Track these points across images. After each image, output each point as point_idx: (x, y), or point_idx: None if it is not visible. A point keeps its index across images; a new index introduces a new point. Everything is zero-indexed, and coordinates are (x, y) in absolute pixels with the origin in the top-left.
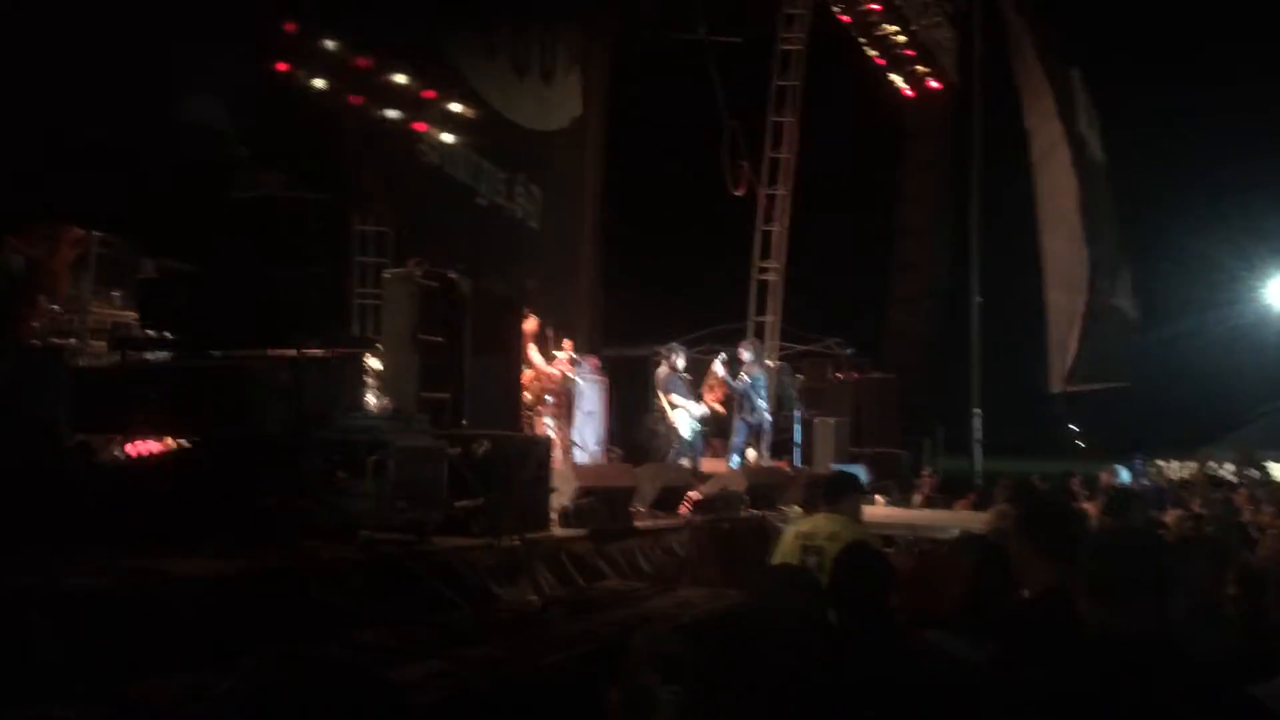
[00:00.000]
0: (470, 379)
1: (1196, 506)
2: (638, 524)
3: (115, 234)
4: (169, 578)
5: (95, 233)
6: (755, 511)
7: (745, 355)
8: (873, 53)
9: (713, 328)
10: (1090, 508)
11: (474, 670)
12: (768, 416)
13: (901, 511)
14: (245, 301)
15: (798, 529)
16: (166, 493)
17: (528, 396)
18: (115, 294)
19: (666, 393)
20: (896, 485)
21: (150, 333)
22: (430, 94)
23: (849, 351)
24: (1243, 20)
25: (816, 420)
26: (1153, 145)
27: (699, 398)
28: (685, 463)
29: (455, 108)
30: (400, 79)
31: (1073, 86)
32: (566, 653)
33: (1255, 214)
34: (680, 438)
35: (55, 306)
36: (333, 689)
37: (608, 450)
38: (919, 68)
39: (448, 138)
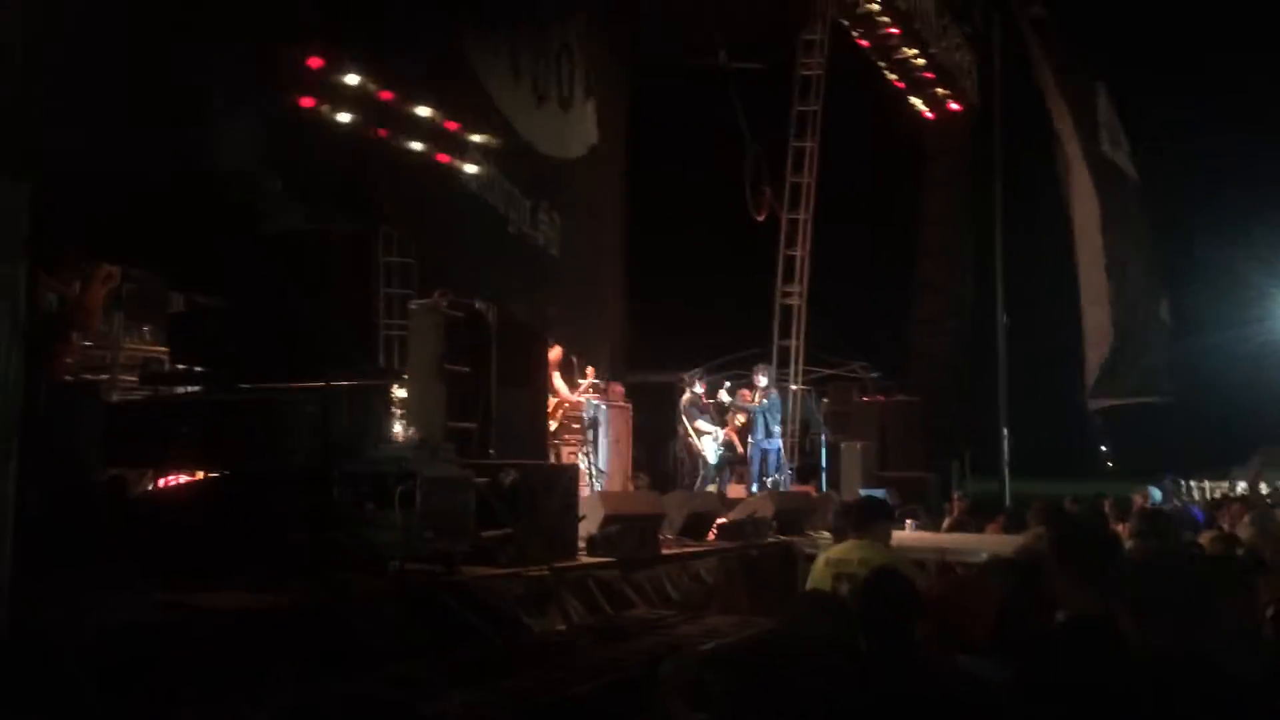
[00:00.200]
0: (497, 408)
1: (1227, 525)
2: (665, 551)
3: (145, 269)
4: (200, 611)
5: (127, 268)
6: (782, 537)
7: (761, 380)
8: (892, 76)
9: (737, 353)
10: (1123, 529)
11: (505, 701)
12: (778, 441)
13: (931, 536)
14: (273, 334)
15: (828, 555)
16: (197, 526)
17: (552, 424)
18: (146, 329)
19: (691, 419)
20: (925, 509)
21: (180, 367)
22: (454, 125)
23: (874, 375)
24: (1273, 34)
25: (843, 444)
26: (1180, 160)
27: (724, 424)
28: (711, 489)
29: (479, 138)
30: (425, 111)
31: (1097, 105)
32: (595, 682)
33: None
34: (706, 464)
35: (88, 342)
36: None
37: (634, 477)
38: (939, 90)
39: (475, 168)
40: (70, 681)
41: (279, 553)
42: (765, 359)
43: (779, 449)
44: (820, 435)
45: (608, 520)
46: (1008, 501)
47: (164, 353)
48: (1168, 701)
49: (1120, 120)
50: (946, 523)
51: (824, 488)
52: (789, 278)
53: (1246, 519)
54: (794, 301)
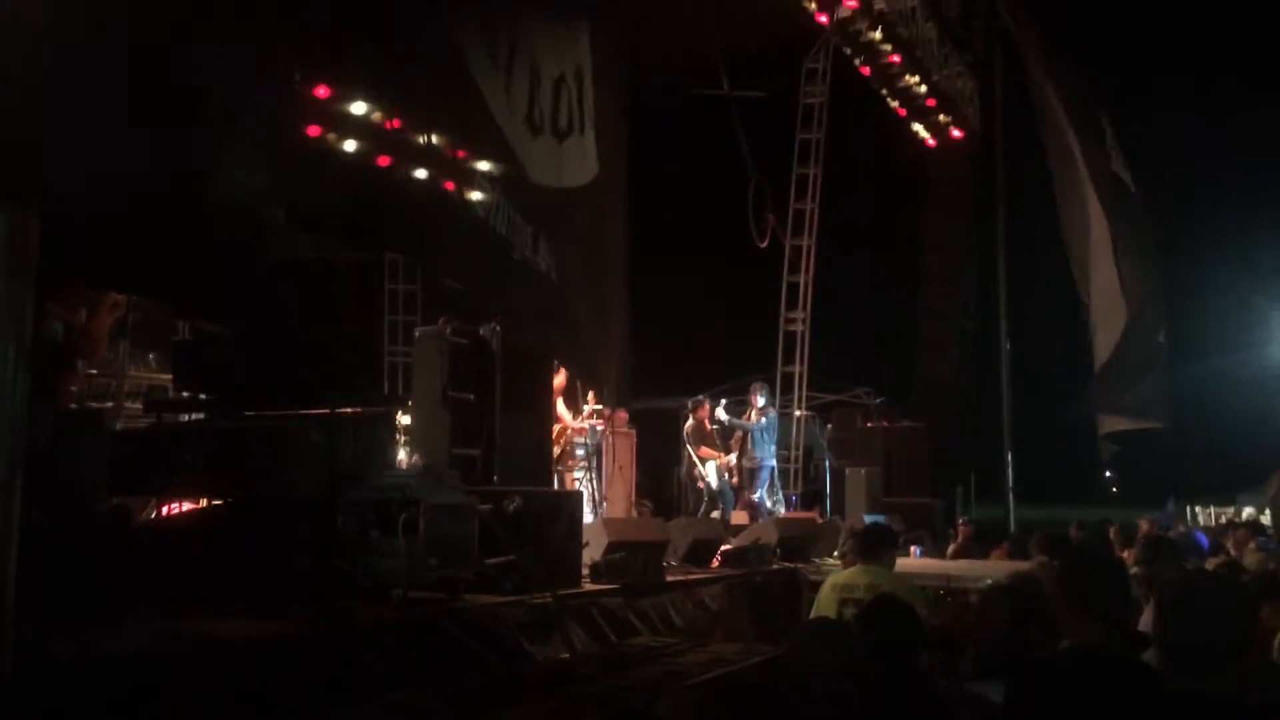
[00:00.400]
0: (501, 435)
1: (1233, 551)
2: (669, 578)
3: (151, 297)
4: (204, 639)
5: (132, 296)
6: (787, 564)
7: (758, 399)
8: (894, 103)
9: (740, 379)
10: (1128, 555)
11: None
12: (773, 462)
13: (936, 562)
14: (278, 362)
15: (834, 580)
16: (201, 554)
17: (556, 450)
18: (151, 356)
19: (695, 446)
20: (929, 535)
21: (185, 394)
22: (461, 153)
23: (878, 400)
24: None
25: (847, 470)
26: (1181, 185)
27: (728, 450)
28: (716, 515)
29: (484, 165)
30: (431, 139)
31: (1102, 130)
32: (600, 711)
33: None
34: (710, 490)
35: (93, 371)
36: None
37: (638, 504)
38: (940, 117)
39: (481, 194)
40: (75, 710)
41: (283, 580)
42: (770, 385)
43: (773, 469)
44: (824, 461)
45: (611, 547)
46: (1012, 527)
47: (169, 380)
48: None
49: (1120, 150)
50: (951, 548)
51: (828, 513)
52: (792, 304)
53: (1252, 545)
54: (798, 327)
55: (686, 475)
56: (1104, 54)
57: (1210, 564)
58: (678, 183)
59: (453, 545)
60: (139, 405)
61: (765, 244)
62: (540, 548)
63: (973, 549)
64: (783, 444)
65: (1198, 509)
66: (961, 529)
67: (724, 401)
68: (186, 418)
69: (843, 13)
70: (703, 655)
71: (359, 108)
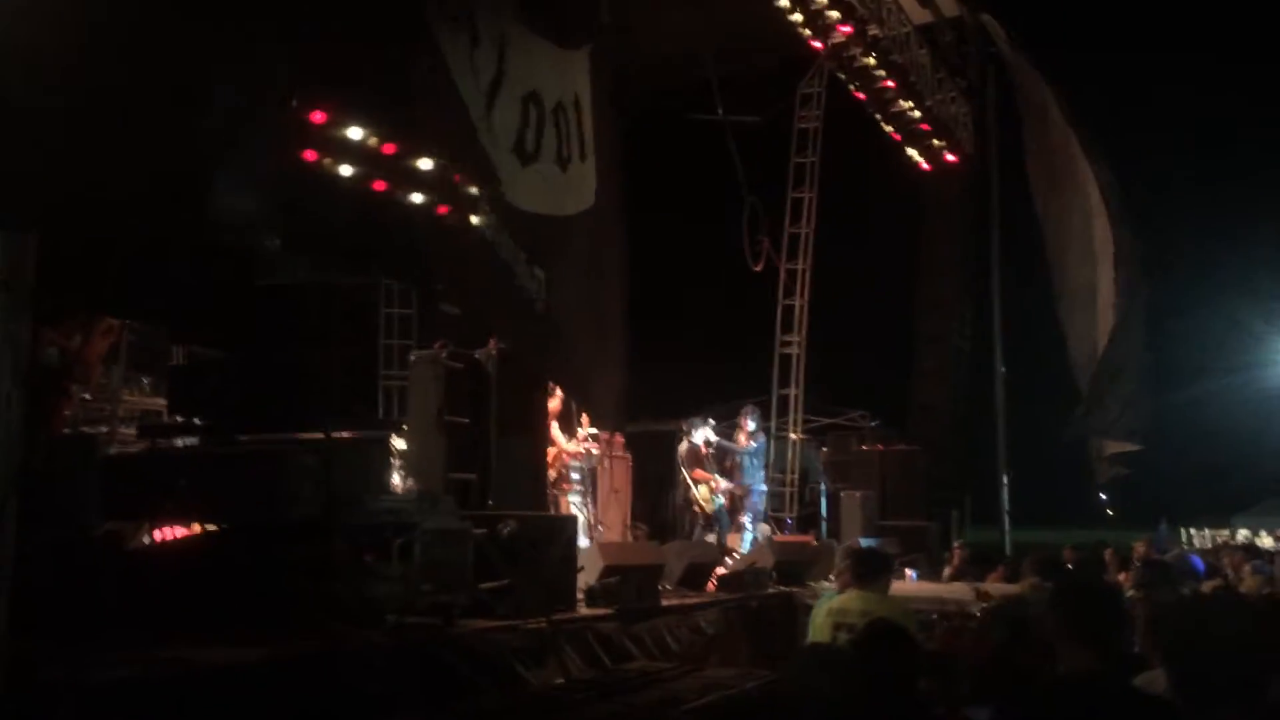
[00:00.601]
0: (496, 459)
1: (1230, 573)
2: (665, 602)
3: (146, 322)
4: (197, 664)
5: (127, 321)
6: (783, 588)
7: (749, 424)
8: (889, 128)
9: (736, 402)
10: (1124, 578)
11: None
12: (762, 487)
13: (930, 586)
14: (273, 386)
15: (829, 605)
16: (195, 580)
17: (551, 474)
18: (146, 381)
19: (690, 469)
20: (925, 558)
21: (179, 419)
22: (457, 178)
23: (874, 424)
24: (1275, 81)
25: (843, 494)
26: (1177, 207)
27: (724, 473)
28: (711, 539)
29: (480, 190)
30: (427, 164)
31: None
32: None
33: None
34: (705, 514)
35: (87, 395)
36: None
37: (633, 527)
38: (935, 141)
39: (479, 218)
40: None
41: (277, 605)
42: (765, 408)
43: (763, 492)
44: (820, 484)
45: (607, 571)
46: (1008, 550)
47: (163, 404)
48: None
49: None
50: (947, 572)
51: (824, 537)
52: (788, 327)
53: (1248, 567)
54: (793, 351)
55: (682, 499)
56: (1101, 72)
57: (1206, 587)
58: (674, 207)
59: (447, 570)
60: (133, 430)
61: (760, 267)
62: (535, 572)
63: (969, 572)
64: (778, 467)
65: (1192, 530)
66: (957, 552)
67: (711, 422)
68: (181, 442)
69: (837, 39)
70: (698, 680)
71: (355, 132)
